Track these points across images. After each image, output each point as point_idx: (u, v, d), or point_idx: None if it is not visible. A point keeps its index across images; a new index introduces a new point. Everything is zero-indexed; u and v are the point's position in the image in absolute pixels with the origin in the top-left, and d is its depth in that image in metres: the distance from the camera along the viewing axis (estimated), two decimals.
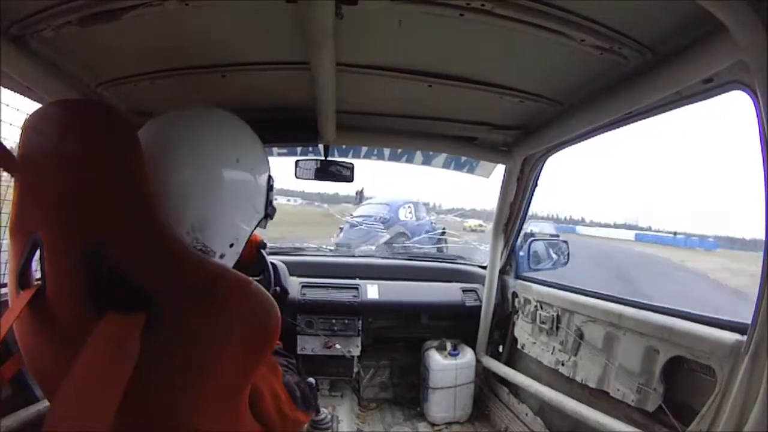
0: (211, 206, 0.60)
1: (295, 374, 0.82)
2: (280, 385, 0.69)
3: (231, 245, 0.64)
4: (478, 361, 2.04)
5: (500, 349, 2.03)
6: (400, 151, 2.02)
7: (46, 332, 0.54)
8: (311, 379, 1.50)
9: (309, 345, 1.94)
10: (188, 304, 0.50)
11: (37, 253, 0.52)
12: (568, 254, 1.98)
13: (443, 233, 5.67)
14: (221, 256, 0.63)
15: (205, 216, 0.60)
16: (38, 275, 0.55)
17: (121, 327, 0.47)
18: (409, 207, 6.71)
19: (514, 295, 1.94)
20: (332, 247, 2.67)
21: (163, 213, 0.51)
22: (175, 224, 0.56)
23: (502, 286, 2.01)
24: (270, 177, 0.70)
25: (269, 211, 0.70)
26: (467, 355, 2.04)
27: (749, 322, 0.83)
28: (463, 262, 2.39)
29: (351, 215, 6.90)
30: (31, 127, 0.53)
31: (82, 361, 0.45)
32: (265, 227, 0.71)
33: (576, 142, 1.43)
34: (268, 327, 0.55)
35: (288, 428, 0.68)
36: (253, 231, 0.68)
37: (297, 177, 1.68)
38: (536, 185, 1.78)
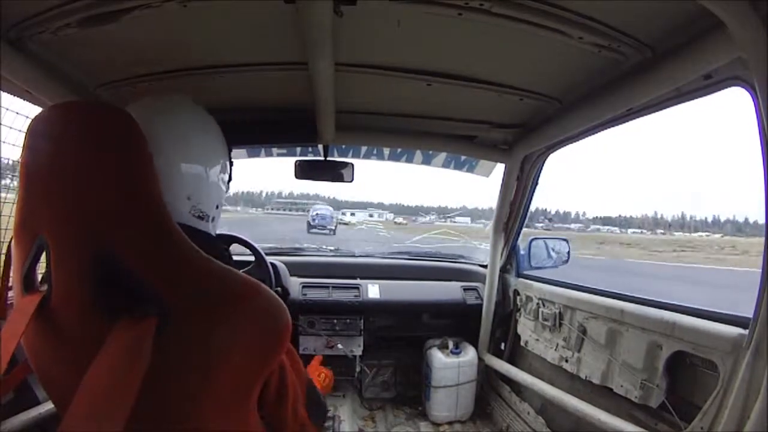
0: (200, 177, 0.66)
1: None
2: (303, 387, 0.70)
3: (217, 206, 0.71)
4: (480, 359, 2.05)
5: (502, 347, 2.04)
6: (399, 150, 2.02)
7: (52, 335, 0.54)
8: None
9: (311, 345, 1.94)
10: (197, 308, 0.50)
11: (43, 256, 0.52)
12: (569, 252, 1.99)
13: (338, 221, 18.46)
14: (212, 219, 0.69)
15: (197, 186, 0.65)
16: (41, 277, 0.55)
17: (135, 332, 0.46)
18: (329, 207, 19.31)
19: (516, 293, 1.94)
20: (332, 248, 2.67)
21: (167, 201, 0.52)
22: (174, 198, 0.61)
23: (503, 285, 2.01)
24: (227, 140, 0.77)
25: (231, 172, 0.78)
26: (469, 354, 2.04)
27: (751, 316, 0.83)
28: (463, 261, 2.39)
29: (316, 213, 17.53)
30: (36, 128, 0.52)
31: (96, 368, 0.44)
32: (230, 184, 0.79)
33: (576, 140, 1.43)
34: (278, 330, 0.55)
35: (295, 429, 0.69)
36: (227, 190, 0.76)
37: (297, 177, 1.68)
38: (536, 184, 1.78)
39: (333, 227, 16.94)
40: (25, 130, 0.53)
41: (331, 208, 19.40)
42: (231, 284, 0.52)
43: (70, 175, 0.49)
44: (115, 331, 0.47)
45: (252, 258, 1.44)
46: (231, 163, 0.78)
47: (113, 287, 0.48)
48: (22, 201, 0.53)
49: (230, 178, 0.78)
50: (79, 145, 0.50)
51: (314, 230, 16.17)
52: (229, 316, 0.51)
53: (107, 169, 0.49)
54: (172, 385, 0.50)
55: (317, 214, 17.35)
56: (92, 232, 0.49)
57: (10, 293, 0.80)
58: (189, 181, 0.64)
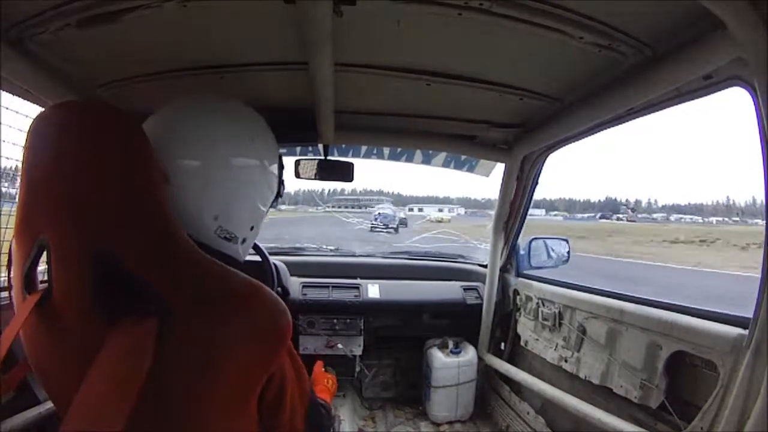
0: (234, 194, 0.62)
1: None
2: (304, 399, 0.68)
3: (251, 228, 0.67)
4: (480, 359, 2.05)
5: (502, 347, 2.04)
6: (399, 150, 2.02)
7: (52, 336, 0.54)
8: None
9: (311, 345, 1.95)
10: (199, 308, 0.50)
11: (44, 256, 0.52)
12: (568, 252, 1.99)
13: (402, 219, 21.47)
14: (243, 241, 0.66)
15: (229, 204, 0.61)
16: (43, 278, 0.55)
17: (135, 333, 0.46)
18: (390, 204, 29.76)
19: (515, 292, 1.94)
20: (333, 247, 2.68)
21: (178, 209, 0.52)
22: (198, 214, 0.59)
23: (503, 284, 2.01)
24: (280, 156, 0.72)
25: (281, 190, 0.73)
26: (469, 353, 2.04)
27: (751, 316, 0.83)
28: (463, 260, 2.39)
29: (379, 212, 19.26)
30: (36, 128, 0.52)
31: (96, 368, 0.44)
32: (276, 207, 0.74)
33: (576, 140, 1.44)
34: (279, 330, 0.55)
35: None
36: (268, 210, 0.71)
37: (297, 177, 1.69)
38: (536, 183, 1.78)
39: (395, 226, 18.32)
40: (27, 131, 0.53)
41: (393, 208, 21.45)
42: (233, 285, 0.52)
43: (70, 174, 0.49)
44: (116, 332, 0.47)
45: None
46: (282, 182, 0.72)
47: (113, 287, 0.48)
48: (23, 201, 0.53)
49: (279, 195, 0.72)
50: (79, 144, 0.50)
51: (378, 229, 17.32)
52: (230, 317, 0.51)
53: (107, 169, 0.49)
54: (174, 385, 0.50)
55: (380, 213, 19.04)
56: (92, 232, 0.49)
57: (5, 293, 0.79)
58: (219, 196, 0.60)
